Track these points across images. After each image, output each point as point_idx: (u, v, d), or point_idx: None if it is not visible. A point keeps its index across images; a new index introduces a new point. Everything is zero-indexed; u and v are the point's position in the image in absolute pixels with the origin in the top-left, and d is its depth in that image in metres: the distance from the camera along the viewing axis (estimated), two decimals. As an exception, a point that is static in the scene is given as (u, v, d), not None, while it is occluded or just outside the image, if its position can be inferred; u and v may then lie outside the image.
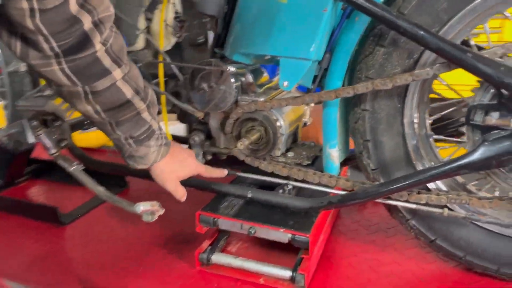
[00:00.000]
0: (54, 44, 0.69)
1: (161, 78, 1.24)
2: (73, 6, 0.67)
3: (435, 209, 1.01)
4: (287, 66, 1.01)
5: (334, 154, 1.11)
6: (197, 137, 1.28)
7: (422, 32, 0.87)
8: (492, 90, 0.88)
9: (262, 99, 1.14)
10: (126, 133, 0.87)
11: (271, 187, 1.22)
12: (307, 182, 1.14)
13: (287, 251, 1.18)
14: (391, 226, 1.40)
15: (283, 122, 1.14)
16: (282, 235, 1.08)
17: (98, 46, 0.73)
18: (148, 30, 1.31)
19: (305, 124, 1.39)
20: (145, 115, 0.88)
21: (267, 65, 1.28)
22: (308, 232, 1.06)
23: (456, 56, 0.85)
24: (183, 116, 1.38)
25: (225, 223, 1.14)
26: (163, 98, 1.28)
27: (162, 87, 1.26)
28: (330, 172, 1.12)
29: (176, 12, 1.32)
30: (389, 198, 1.05)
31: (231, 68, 1.05)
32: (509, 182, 0.93)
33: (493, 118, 0.87)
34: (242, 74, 1.14)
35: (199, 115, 1.21)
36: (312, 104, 1.42)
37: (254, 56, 1.08)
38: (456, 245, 1.07)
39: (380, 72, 1.01)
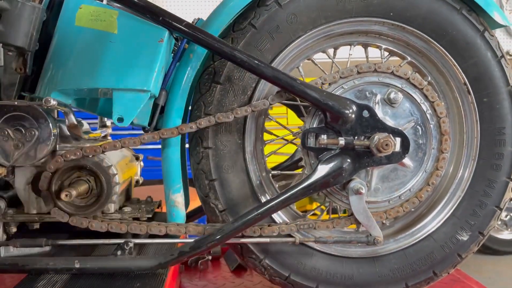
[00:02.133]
0: None
1: None
2: None
3: (289, 238, 1.00)
4: (121, 99, 0.91)
5: (178, 200, 1.01)
6: (-5, 205, 0.97)
7: (257, 62, 0.92)
8: (319, 115, 0.99)
9: (88, 145, 0.97)
10: None
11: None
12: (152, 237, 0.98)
13: None
14: (239, 283, 1.33)
15: (117, 170, 0.98)
16: (127, 303, 0.87)
17: None
18: None
19: (137, 182, 1.25)
20: None
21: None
22: (162, 291, 0.89)
23: (288, 83, 0.93)
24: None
25: (44, 308, 0.85)
26: None
27: None
28: (177, 220, 1.01)
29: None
30: (243, 237, 0.99)
31: (52, 101, 0.86)
32: (343, 200, 1.02)
33: (324, 139, 0.97)
34: (62, 115, 0.96)
35: (1, 171, 0.94)
36: (142, 163, 1.32)
37: (78, 92, 0.94)
38: (308, 276, 1.07)
39: (219, 108, 1.01)
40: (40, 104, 0.88)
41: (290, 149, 1.35)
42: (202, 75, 1.03)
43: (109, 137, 1.25)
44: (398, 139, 0.98)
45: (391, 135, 0.96)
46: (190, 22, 0.97)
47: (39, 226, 1.01)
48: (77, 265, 0.93)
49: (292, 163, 1.35)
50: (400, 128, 0.99)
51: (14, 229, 1.00)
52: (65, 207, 0.94)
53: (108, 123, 1.28)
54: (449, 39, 1.05)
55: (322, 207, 1.36)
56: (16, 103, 0.87)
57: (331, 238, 1.01)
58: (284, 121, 1.15)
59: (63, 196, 0.87)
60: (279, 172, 1.20)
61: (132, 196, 1.18)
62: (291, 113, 1.05)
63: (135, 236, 1.02)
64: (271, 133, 1.14)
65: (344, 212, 1.08)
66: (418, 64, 1.10)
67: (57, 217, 0.94)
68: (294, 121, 1.12)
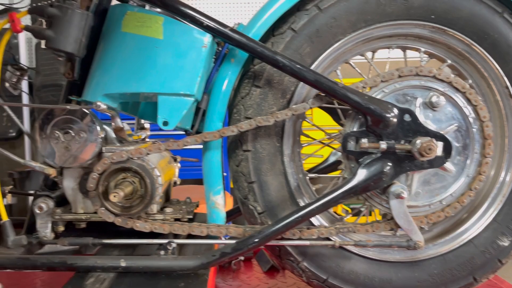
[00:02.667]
0: None
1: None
2: None
3: (328, 242, 1.00)
4: (166, 103, 0.94)
5: (219, 202, 1.03)
6: (44, 204, 1.01)
7: (299, 67, 0.93)
8: (359, 119, 0.99)
9: (132, 147, 1.00)
10: None
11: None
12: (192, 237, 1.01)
13: None
14: (272, 285, 1.35)
15: (159, 172, 1.01)
16: (172, 303, 0.89)
17: None
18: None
19: (175, 183, 1.28)
20: None
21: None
22: (205, 291, 0.90)
23: (330, 87, 0.94)
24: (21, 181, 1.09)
25: (94, 304, 0.88)
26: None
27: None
28: (217, 222, 1.03)
29: (14, 59, 1.11)
30: (283, 240, 1.00)
31: (102, 105, 0.90)
32: (383, 204, 1.02)
33: (365, 143, 0.97)
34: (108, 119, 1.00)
35: (51, 172, 0.98)
36: (179, 165, 1.34)
37: (123, 96, 0.97)
38: (346, 279, 1.07)
39: (259, 112, 1.02)
40: (90, 107, 0.91)
41: (323, 151, 1.36)
42: (241, 79, 1.05)
43: (147, 139, 1.28)
44: (440, 144, 0.97)
45: (433, 139, 0.95)
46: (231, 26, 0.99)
47: (85, 225, 1.04)
48: (123, 264, 0.95)
49: (327, 166, 1.35)
50: (442, 132, 0.98)
51: (61, 228, 1.03)
52: (112, 208, 0.97)
53: (146, 125, 1.31)
54: (490, 41, 1.04)
55: (347, 208, 1.35)
56: (68, 107, 0.91)
57: (371, 242, 1.01)
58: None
59: (111, 197, 0.90)
60: (317, 175, 1.21)
61: (171, 196, 1.21)
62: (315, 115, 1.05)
63: (175, 236, 1.05)
64: (308, 136, 1.15)
65: (370, 214, 1.08)
66: (459, 67, 1.09)
67: (103, 217, 0.97)
68: (318, 122, 1.14)
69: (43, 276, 1.34)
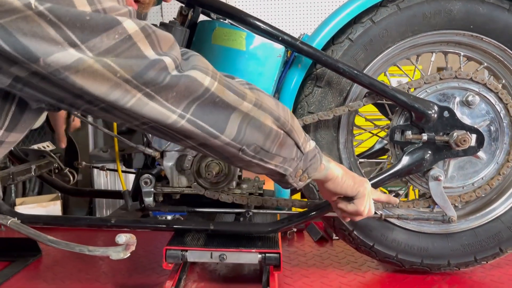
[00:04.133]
0: None
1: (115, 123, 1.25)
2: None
3: (375, 214, 1.22)
4: (248, 102, 1.17)
5: (286, 180, 1.27)
6: (148, 180, 1.29)
7: (356, 72, 1.14)
8: (405, 114, 1.19)
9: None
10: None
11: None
12: (263, 208, 1.26)
13: (240, 282, 1.26)
14: (323, 251, 1.58)
15: (239, 155, 1.26)
16: (253, 256, 1.15)
17: None
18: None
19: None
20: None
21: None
22: (278, 248, 1.16)
23: (381, 89, 1.14)
24: (129, 161, 1.38)
25: (194, 255, 1.15)
26: (115, 141, 1.28)
27: (115, 130, 1.27)
28: (283, 196, 1.27)
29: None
30: (337, 212, 1.23)
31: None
32: (423, 185, 1.23)
33: (409, 135, 1.17)
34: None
35: (156, 155, 1.25)
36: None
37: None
38: (389, 246, 1.29)
39: (320, 108, 1.24)
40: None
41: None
42: (305, 80, 1.27)
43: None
44: (474, 136, 1.16)
45: (468, 132, 1.14)
46: (296, 35, 1.21)
47: (178, 197, 1.32)
48: (211, 227, 1.22)
49: (372, 153, 1.56)
50: (476, 126, 1.16)
51: (161, 199, 1.31)
52: (203, 183, 1.23)
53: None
54: (523, 48, 1.20)
55: (385, 191, 1.53)
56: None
57: (411, 216, 1.22)
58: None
59: (205, 175, 1.16)
60: (366, 160, 1.42)
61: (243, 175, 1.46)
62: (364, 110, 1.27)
63: (248, 207, 1.30)
64: (360, 128, 1.36)
65: (407, 197, 1.28)
66: (494, 68, 1.26)
67: (196, 190, 1.24)
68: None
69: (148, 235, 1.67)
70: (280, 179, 0.87)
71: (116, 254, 1.03)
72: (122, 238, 0.97)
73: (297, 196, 1.47)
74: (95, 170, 3.08)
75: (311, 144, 0.87)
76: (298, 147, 0.82)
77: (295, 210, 1.26)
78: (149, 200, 1.29)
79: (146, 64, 0.60)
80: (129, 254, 1.04)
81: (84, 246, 1.09)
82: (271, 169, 0.81)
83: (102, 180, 3.35)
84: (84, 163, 1.63)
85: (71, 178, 1.59)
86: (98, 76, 0.57)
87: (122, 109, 0.61)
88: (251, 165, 0.79)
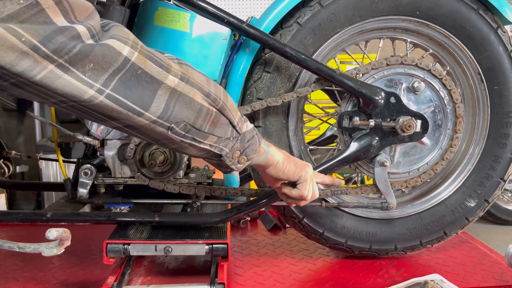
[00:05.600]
0: None
1: (52, 110, 1.16)
2: None
3: (317, 203, 1.21)
4: (193, 87, 1.12)
5: (234, 169, 1.23)
6: (88, 170, 1.22)
7: (304, 57, 1.12)
8: (353, 100, 1.18)
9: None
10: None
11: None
12: (213, 198, 1.22)
13: (190, 275, 1.23)
14: (276, 240, 1.57)
15: (185, 144, 1.21)
16: (200, 247, 1.11)
17: None
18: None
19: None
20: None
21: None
22: (226, 239, 1.12)
23: (329, 74, 1.12)
24: (67, 150, 1.29)
25: (137, 248, 1.10)
26: (54, 130, 1.19)
27: (53, 119, 1.18)
28: (233, 185, 1.23)
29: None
30: (287, 200, 1.21)
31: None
32: (370, 171, 1.23)
33: (357, 121, 1.17)
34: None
35: (96, 143, 1.17)
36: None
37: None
38: (339, 233, 1.29)
39: (268, 94, 1.21)
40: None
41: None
42: (254, 65, 1.23)
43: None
44: (419, 121, 1.17)
45: (413, 118, 1.15)
46: (244, 19, 1.17)
47: (121, 188, 1.25)
48: (156, 219, 1.16)
49: (323, 140, 1.56)
50: (421, 112, 1.18)
51: (102, 190, 1.24)
52: (147, 173, 1.17)
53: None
54: (467, 34, 1.22)
55: (339, 176, 1.53)
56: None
57: (351, 203, 1.23)
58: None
59: (148, 164, 1.10)
60: (316, 147, 1.41)
61: (191, 165, 1.41)
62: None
63: (197, 197, 1.26)
64: (310, 114, 1.34)
65: (362, 182, 1.29)
66: (439, 55, 1.28)
67: (140, 181, 1.18)
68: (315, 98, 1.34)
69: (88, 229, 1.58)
70: (219, 163, 0.83)
71: (49, 250, 0.96)
72: (53, 233, 0.90)
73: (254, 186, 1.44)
74: (43, 162, 2.91)
75: (249, 125, 0.85)
76: (233, 126, 0.78)
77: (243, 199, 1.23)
78: (83, 191, 1.21)
79: (55, 29, 0.54)
80: (63, 250, 0.97)
81: (14, 242, 1.01)
82: (206, 149, 0.76)
83: (51, 171, 3.17)
84: (23, 154, 1.52)
85: (6, 170, 1.48)
86: (1, 42, 0.50)
87: (32, 82, 0.55)
88: (184, 146, 0.74)
